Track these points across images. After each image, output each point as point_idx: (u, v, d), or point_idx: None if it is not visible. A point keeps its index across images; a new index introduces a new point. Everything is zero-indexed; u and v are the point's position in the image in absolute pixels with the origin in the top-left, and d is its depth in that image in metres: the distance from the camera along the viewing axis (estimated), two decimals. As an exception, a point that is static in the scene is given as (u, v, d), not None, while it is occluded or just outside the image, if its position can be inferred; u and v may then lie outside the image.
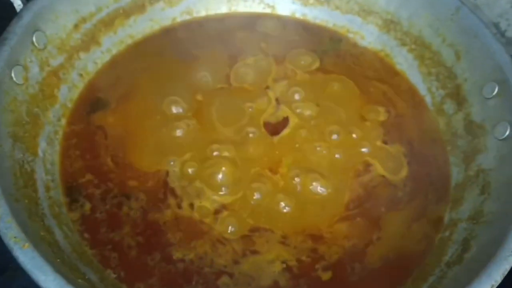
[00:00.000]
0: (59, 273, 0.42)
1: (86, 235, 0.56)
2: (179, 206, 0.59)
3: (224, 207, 0.60)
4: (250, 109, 0.69)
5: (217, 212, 0.59)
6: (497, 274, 0.45)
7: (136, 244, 0.56)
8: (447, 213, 0.62)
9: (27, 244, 0.44)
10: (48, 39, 0.64)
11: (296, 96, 0.71)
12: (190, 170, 0.62)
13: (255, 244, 0.57)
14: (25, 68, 0.60)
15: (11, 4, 0.67)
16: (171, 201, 0.59)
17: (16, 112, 0.57)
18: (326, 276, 0.55)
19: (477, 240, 0.53)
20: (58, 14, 0.65)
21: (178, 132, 0.66)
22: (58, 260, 0.47)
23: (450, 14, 0.69)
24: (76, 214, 0.58)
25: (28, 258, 0.43)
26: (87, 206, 0.58)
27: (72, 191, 0.60)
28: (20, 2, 0.67)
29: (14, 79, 0.57)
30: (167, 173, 0.62)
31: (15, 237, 0.44)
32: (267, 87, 0.72)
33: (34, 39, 0.61)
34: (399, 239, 0.59)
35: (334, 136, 0.67)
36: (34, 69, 0.62)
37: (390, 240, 0.59)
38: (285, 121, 0.68)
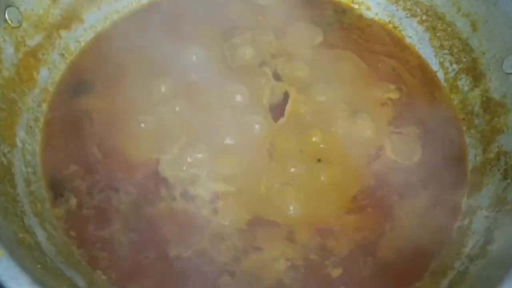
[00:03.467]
0: (38, 283, 0.37)
1: (72, 233, 0.51)
2: (173, 198, 0.54)
3: (224, 196, 0.55)
4: (250, 89, 0.63)
5: (215, 201, 0.54)
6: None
7: (128, 241, 0.51)
8: (465, 199, 0.57)
9: (1, 252, 0.38)
10: (23, 15, 0.58)
11: (299, 74, 0.65)
12: (186, 156, 0.57)
13: (258, 240, 0.52)
14: (-2, 49, 0.54)
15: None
16: (164, 192, 0.54)
17: (-11, 99, 0.52)
18: (336, 272, 0.51)
19: (503, 231, 0.49)
20: (34, -14, 0.59)
21: (170, 116, 0.60)
22: (39, 266, 0.43)
23: (466, -20, 0.63)
24: (61, 210, 0.53)
25: (3, 268, 0.38)
26: (73, 201, 0.53)
27: (56, 185, 0.54)
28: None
29: (-15, 62, 0.52)
30: (158, 161, 0.57)
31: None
32: (267, 64, 0.66)
33: (6, 15, 0.55)
34: (414, 229, 0.55)
35: (342, 118, 0.61)
36: (9, 50, 0.56)
37: (404, 231, 0.55)
38: (285, 98, 0.63)
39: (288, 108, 0.62)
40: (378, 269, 0.52)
